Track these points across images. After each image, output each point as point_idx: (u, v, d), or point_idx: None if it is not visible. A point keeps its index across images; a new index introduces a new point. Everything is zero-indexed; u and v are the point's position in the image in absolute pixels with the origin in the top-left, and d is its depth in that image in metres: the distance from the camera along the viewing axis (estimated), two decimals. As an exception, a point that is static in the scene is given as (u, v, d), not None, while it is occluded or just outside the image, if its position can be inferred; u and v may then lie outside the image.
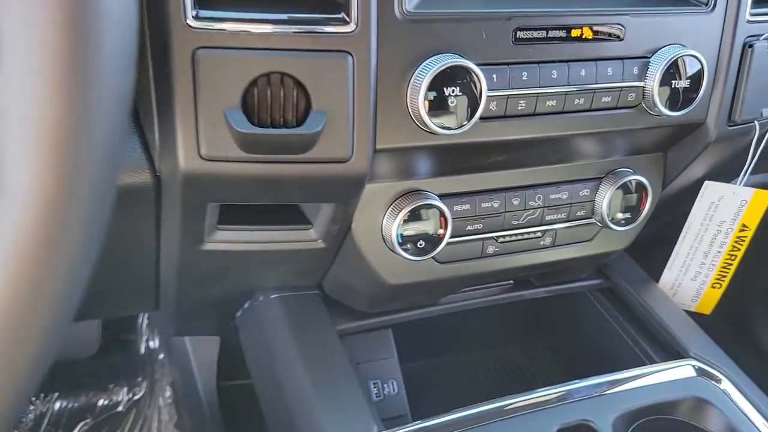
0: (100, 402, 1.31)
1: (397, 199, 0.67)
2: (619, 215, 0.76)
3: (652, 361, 0.81)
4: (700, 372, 0.78)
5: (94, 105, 0.24)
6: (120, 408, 1.32)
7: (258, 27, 0.54)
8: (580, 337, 0.92)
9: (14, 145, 0.23)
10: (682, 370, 0.78)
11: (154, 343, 1.37)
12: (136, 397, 1.33)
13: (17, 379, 0.26)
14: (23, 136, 0.23)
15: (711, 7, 0.68)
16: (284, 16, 0.54)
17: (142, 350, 1.36)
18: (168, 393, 1.30)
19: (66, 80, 0.23)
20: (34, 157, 0.23)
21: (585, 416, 0.71)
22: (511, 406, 0.71)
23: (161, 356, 1.34)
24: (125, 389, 1.33)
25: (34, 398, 1.28)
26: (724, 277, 0.86)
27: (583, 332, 0.91)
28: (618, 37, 0.65)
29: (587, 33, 0.64)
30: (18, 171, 0.23)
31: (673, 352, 0.81)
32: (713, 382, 0.77)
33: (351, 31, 0.55)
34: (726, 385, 0.77)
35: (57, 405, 1.30)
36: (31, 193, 0.23)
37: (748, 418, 0.74)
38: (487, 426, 0.68)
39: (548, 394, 0.73)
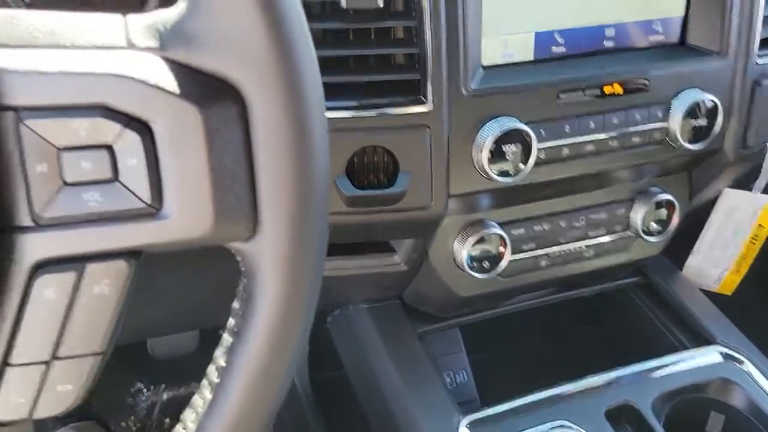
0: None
1: (466, 228, 0.82)
2: (652, 228, 0.90)
3: (685, 348, 0.95)
4: (726, 356, 0.91)
5: (322, 244, 0.40)
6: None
7: (356, 113, 0.69)
8: (622, 328, 1.06)
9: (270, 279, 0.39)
10: (710, 356, 0.92)
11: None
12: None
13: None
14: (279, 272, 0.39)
15: (723, 54, 0.81)
16: (374, 101, 0.70)
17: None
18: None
19: (309, 232, 0.39)
20: (287, 280, 0.39)
21: (628, 398, 0.86)
22: (565, 392, 0.86)
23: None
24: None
25: (145, 390, 1.48)
26: (743, 265, 0.99)
27: (624, 324, 1.06)
28: (644, 86, 0.79)
29: (618, 89, 0.77)
30: (268, 296, 0.39)
31: (702, 339, 0.95)
32: (737, 364, 0.90)
33: (428, 111, 0.70)
34: (748, 366, 0.90)
35: (165, 396, 1.48)
36: (281, 310, 0.40)
37: (767, 393, 0.88)
38: (545, 410, 0.83)
39: (596, 380, 0.88)
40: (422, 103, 0.70)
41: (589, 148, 0.78)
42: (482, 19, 0.71)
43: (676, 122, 0.79)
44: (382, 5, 0.66)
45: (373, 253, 0.83)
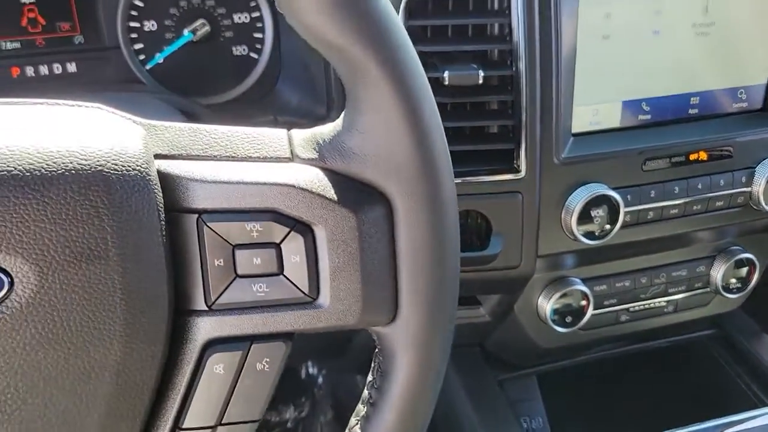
0: (273, 419, 1.56)
1: (550, 284, 0.86)
2: (732, 285, 0.92)
3: (764, 404, 0.96)
4: (806, 414, 0.92)
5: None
6: (289, 424, 1.56)
7: (457, 180, 0.74)
8: (699, 380, 1.08)
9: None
10: (789, 413, 0.93)
11: (313, 370, 1.61)
12: (302, 415, 1.57)
13: None
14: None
15: (807, 121, 0.83)
16: (470, 169, 0.74)
17: (303, 375, 1.60)
18: (330, 413, 1.53)
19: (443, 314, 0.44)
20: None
21: (707, 453, 0.87)
22: (642, 445, 0.88)
23: (320, 380, 1.58)
24: (291, 408, 1.57)
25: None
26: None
27: (700, 376, 1.07)
28: (729, 153, 0.81)
29: (702, 156, 0.80)
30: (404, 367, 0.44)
31: (781, 396, 0.96)
32: (817, 422, 0.91)
33: (521, 178, 0.74)
34: (829, 424, 0.91)
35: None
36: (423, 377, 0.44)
37: None
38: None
39: (674, 435, 0.90)
40: (516, 171, 0.74)
41: (673, 211, 0.81)
42: (574, 90, 0.76)
43: (759, 187, 0.82)
44: (481, 82, 0.71)
45: (459, 305, 0.87)
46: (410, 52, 0.41)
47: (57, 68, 0.84)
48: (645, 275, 0.89)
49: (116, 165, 0.38)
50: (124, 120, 0.42)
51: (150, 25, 0.85)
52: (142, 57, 0.86)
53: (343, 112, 0.43)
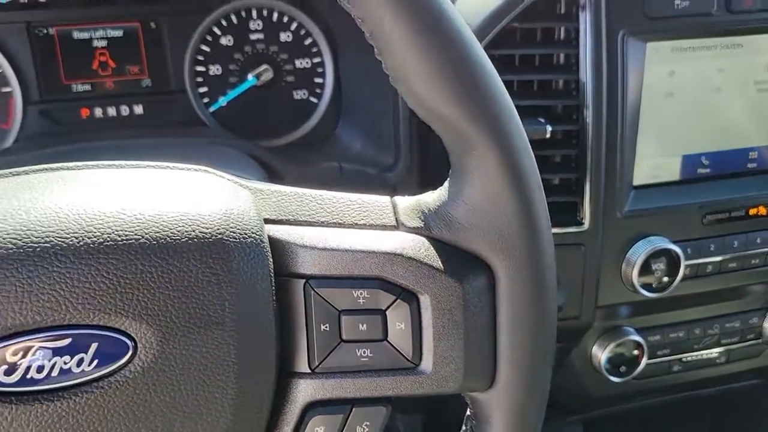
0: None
1: (604, 333, 0.86)
2: (784, 337, 0.92)
3: (815, 458, 0.96)
4: None
5: None
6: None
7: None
8: (744, 430, 1.07)
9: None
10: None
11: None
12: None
13: None
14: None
15: None
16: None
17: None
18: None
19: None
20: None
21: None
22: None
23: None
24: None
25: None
26: None
27: (746, 426, 1.06)
28: (786, 208, 0.82)
29: (762, 211, 0.81)
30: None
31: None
32: None
33: (584, 230, 0.75)
34: None
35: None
36: None
37: None
38: None
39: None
40: (579, 223, 0.75)
41: (732, 265, 0.81)
42: (636, 145, 0.76)
43: (817, 242, 0.82)
44: (549, 136, 0.72)
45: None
46: (518, 124, 0.42)
47: (124, 110, 0.86)
48: (699, 326, 0.89)
49: (234, 233, 0.40)
50: (233, 184, 0.43)
51: (215, 70, 0.88)
52: (206, 100, 0.88)
53: (448, 181, 0.44)
